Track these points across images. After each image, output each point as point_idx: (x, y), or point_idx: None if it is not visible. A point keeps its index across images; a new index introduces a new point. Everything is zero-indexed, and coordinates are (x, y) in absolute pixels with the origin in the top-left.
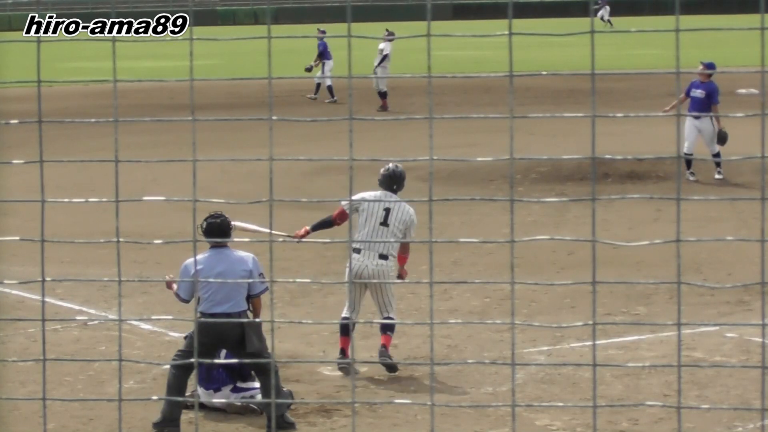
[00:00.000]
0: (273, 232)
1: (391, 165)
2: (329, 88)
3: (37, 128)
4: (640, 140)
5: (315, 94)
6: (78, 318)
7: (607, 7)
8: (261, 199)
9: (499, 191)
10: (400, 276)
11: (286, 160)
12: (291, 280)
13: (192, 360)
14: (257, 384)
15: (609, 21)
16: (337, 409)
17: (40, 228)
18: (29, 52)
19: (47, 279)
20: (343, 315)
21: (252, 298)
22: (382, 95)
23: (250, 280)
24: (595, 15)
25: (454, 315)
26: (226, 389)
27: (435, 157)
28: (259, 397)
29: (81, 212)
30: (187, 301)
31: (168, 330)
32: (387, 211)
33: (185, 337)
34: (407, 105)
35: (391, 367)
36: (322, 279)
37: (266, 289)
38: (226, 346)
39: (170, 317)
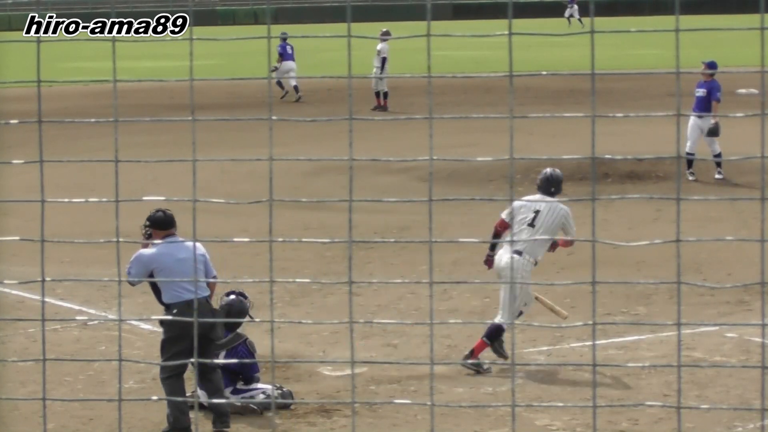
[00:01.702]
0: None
1: (548, 170)
2: (278, 83)
3: (37, 128)
4: (640, 140)
5: (297, 93)
6: (78, 318)
7: (576, 6)
8: (261, 199)
9: (499, 191)
10: (555, 244)
11: (286, 160)
12: (291, 280)
13: (190, 360)
14: (258, 385)
15: (580, 20)
16: (337, 409)
17: (40, 228)
18: (29, 52)
19: (47, 279)
20: (498, 320)
21: (208, 283)
22: (383, 95)
23: (209, 280)
24: (564, 15)
25: (454, 315)
26: (227, 391)
27: (435, 157)
28: (259, 398)
29: (81, 212)
30: (133, 285)
31: None
32: (536, 213)
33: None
34: (407, 105)
35: (476, 366)
36: (321, 279)
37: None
38: (199, 334)
39: (170, 317)
